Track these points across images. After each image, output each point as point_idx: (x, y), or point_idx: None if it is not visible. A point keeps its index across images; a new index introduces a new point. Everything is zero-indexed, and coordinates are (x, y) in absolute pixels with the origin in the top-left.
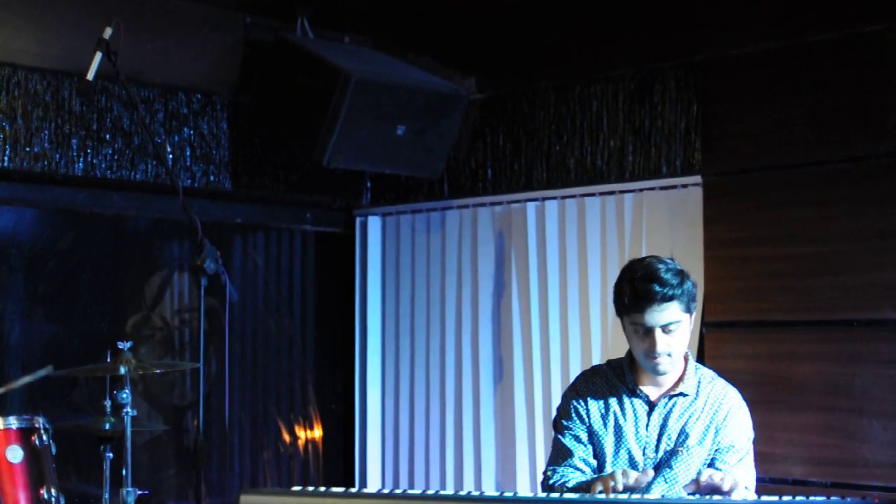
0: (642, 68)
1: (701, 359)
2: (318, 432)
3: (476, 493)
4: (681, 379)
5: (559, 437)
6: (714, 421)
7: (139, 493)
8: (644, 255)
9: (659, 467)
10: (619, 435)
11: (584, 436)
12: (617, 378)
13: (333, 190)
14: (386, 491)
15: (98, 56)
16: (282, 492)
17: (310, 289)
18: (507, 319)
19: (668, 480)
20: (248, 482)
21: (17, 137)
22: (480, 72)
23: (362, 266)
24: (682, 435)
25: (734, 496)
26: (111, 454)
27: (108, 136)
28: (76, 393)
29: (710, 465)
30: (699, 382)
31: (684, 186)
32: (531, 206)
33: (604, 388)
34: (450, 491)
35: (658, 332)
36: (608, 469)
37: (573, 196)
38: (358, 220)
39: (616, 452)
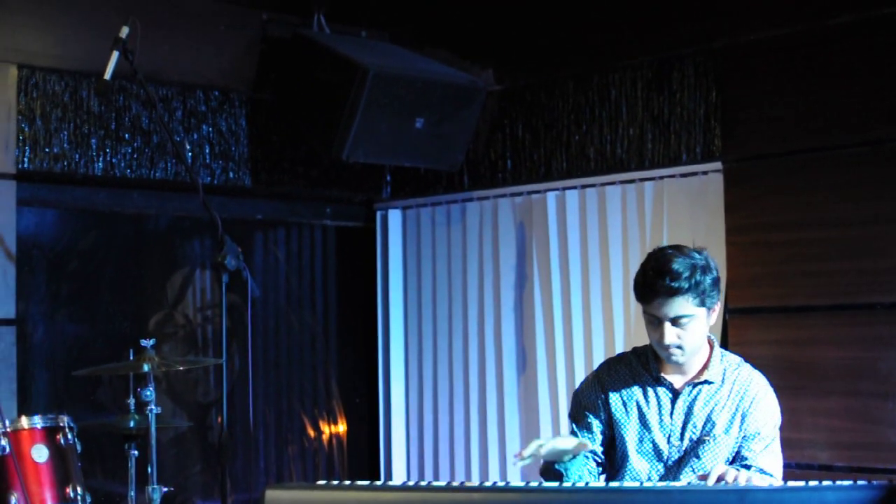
0: (660, 56)
1: (724, 345)
2: (342, 426)
3: (501, 484)
4: (705, 366)
5: (572, 424)
6: (740, 408)
7: (165, 490)
8: (665, 243)
9: (685, 457)
10: (643, 424)
11: (595, 425)
12: (641, 366)
13: (353, 184)
14: (411, 483)
15: (115, 55)
16: (307, 486)
17: (331, 283)
18: (529, 310)
19: (696, 471)
20: (273, 478)
21: (37, 138)
22: (498, 63)
23: (383, 260)
24: (709, 423)
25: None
26: (136, 452)
27: (127, 136)
28: (100, 392)
29: (737, 452)
30: (725, 370)
31: (704, 173)
32: (551, 196)
33: (627, 376)
34: (475, 482)
35: (667, 325)
36: (633, 459)
37: (593, 185)
38: (378, 213)
39: (640, 441)
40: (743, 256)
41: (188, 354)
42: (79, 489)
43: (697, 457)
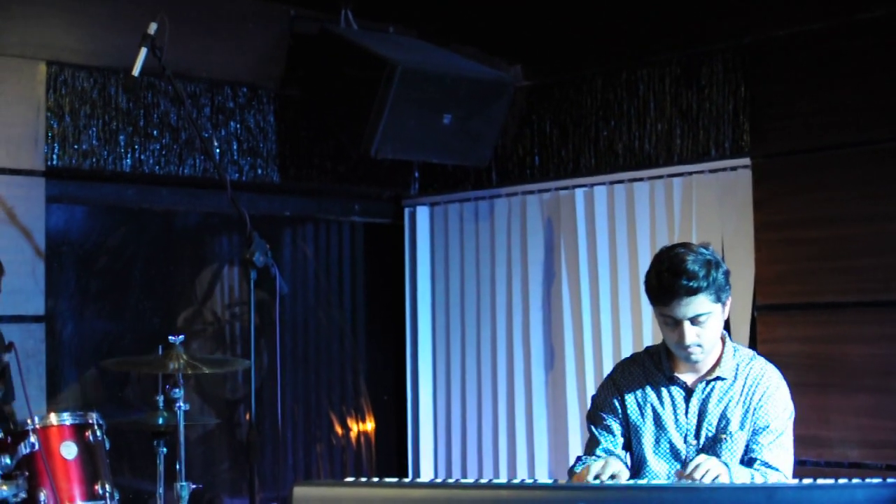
0: (689, 51)
1: (753, 342)
2: (370, 424)
3: (530, 481)
4: (717, 363)
5: (591, 426)
6: (752, 402)
7: (193, 487)
8: (694, 239)
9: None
10: (658, 424)
11: (615, 426)
12: (654, 366)
13: (381, 180)
14: (439, 481)
15: (143, 52)
16: (335, 483)
17: (359, 280)
18: (557, 307)
19: None
20: (302, 475)
21: (66, 135)
22: (526, 59)
23: (411, 256)
24: (723, 420)
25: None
26: (165, 449)
27: (155, 132)
28: (128, 389)
29: (746, 446)
30: (738, 365)
31: (733, 169)
32: (580, 193)
33: (641, 377)
34: (503, 479)
35: (686, 324)
36: (650, 461)
37: (622, 181)
38: (406, 210)
39: (657, 442)
40: (772, 253)
41: (216, 351)
42: (107, 486)
43: (718, 456)
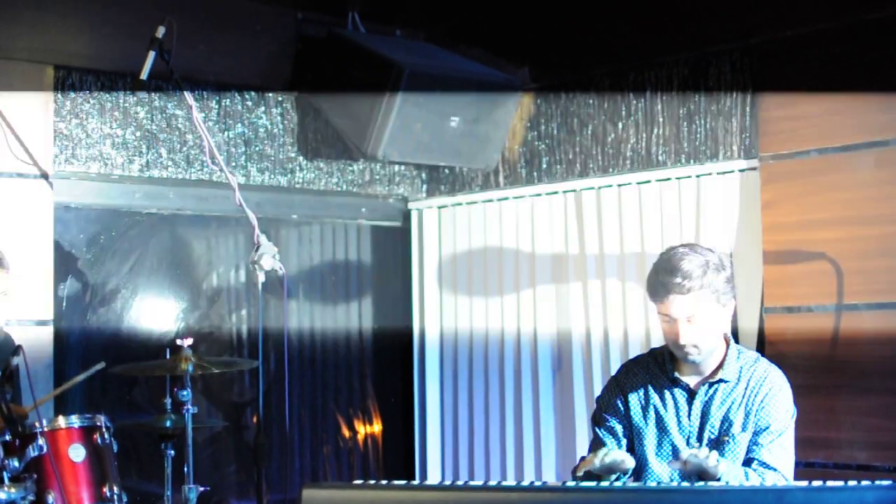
0: (696, 53)
1: (761, 344)
2: (377, 426)
3: (539, 484)
4: (721, 365)
5: (595, 429)
6: (754, 404)
7: (201, 489)
8: (703, 241)
9: None
10: (661, 426)
11: (619, 428)
12: (658, 367)
13: (388, 183)
14: (448, 483)
15: (151, 55)
16: (344, 486)
17: (367, 283)
18: (565, 309)
19: None
20: (309, 477)
21: (73, 139)
22: (533, 61)
23: (419, 259)
24: (726, 423)
25: (721, 470)
26: (172, 452)
27: (163, 135)
28: (136, 392)
29: (747, 447)
30: (741, 368)
31: (742, 171)
32: (588, 195)
33: (644, 378)
34: (512, 482)
35: (682, 323)
36: (652, 464)
37: (630, 183)
38: (414, 212)
39: (659, 444)
40: (780, 254)
41: (224, 354)
42: (115, 488)
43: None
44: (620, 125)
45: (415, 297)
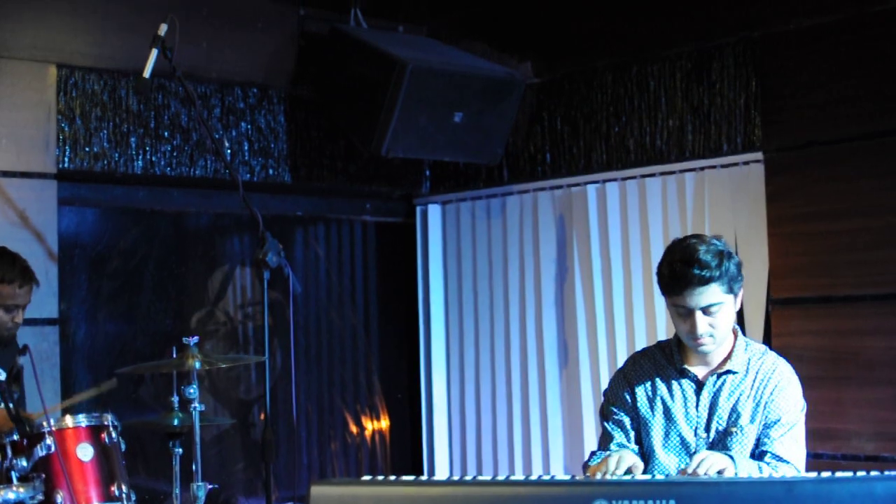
0: (699, 46)
1: (768, 336)
2: (384, 422)
3: (547, 478)
4: (729, 356)
5: (604, 422)
6: (763, 397)
7: (209, 487)
8: (708, 233)
9: (713, 449)
10: (668, 418)
11: (626, 421)
12: (665, 359)
13: (392, 179)
14: (457, 478)
15: (154, 53)
16: (353, 482)
17: (372, 279)
18: (570, 303)
19: None
20: (316, 474)
21: (77, 138)
22: (536, 56)
23: (424, 255)
24: (734, 414)
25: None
26: (180, 450)
27: (166, 133)
28: (142, 390)
29: (757, 440)
30: (749, 359)
31: (746, 163)
32: (591, 189)
33: (651, 370)
34: (520, 476)
35: (698, 314)
36: (659, 455)
37: (633, 177)
38: (418, 208)
39: (666, 436)
40: (785, 246)
41: (230, 352)
42: (123, 487)
43: (728, 449)
44: (624, 119)
45: (420, 293)
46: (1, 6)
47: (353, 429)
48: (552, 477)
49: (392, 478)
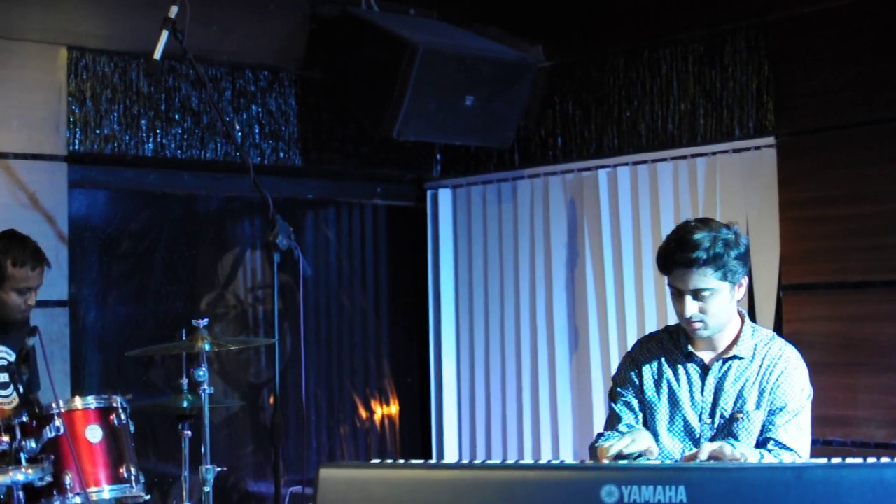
0: (712, 30)
1: (779, 322)
2: (394, 406)
3: (557, 462)
4: (735, 341)
5: (611, 404)
6: (768, 383)
7: (218, 470)
8: (719, 219)
9: (718, 435)
10: (673, 401)
11: (634, 402)
12: (672, 343)
13: (403, 163)
14: (466, 462)
15: (165, 35)
16: (361, 465)
17: (382, 262)
18: (581, 288)
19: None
20: (326, 458)
21: (87, 120)
22: (548, 39)
23: (434, 238)
24: (739, 400)
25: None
26: (189, 432)
27: (177, 116)
28: (152, 372)
29: (763, 427)
30: (756, 345)
31: (758, 148)
32: (603, 173)
33: (658, 354)
34: (529, 460)
35: (688, 297)
36: (664, 439)
37: (645, 161)
38: (429, 192)
39: (671, 420)
40: (797, 231)
41: (240, 335)
42: (132, 469)
43: (735, 436)
44: (635, 103)
45: (430, 277)
46: None
47: (363, 413)
48: (561, 461)
49: (401, 461)
